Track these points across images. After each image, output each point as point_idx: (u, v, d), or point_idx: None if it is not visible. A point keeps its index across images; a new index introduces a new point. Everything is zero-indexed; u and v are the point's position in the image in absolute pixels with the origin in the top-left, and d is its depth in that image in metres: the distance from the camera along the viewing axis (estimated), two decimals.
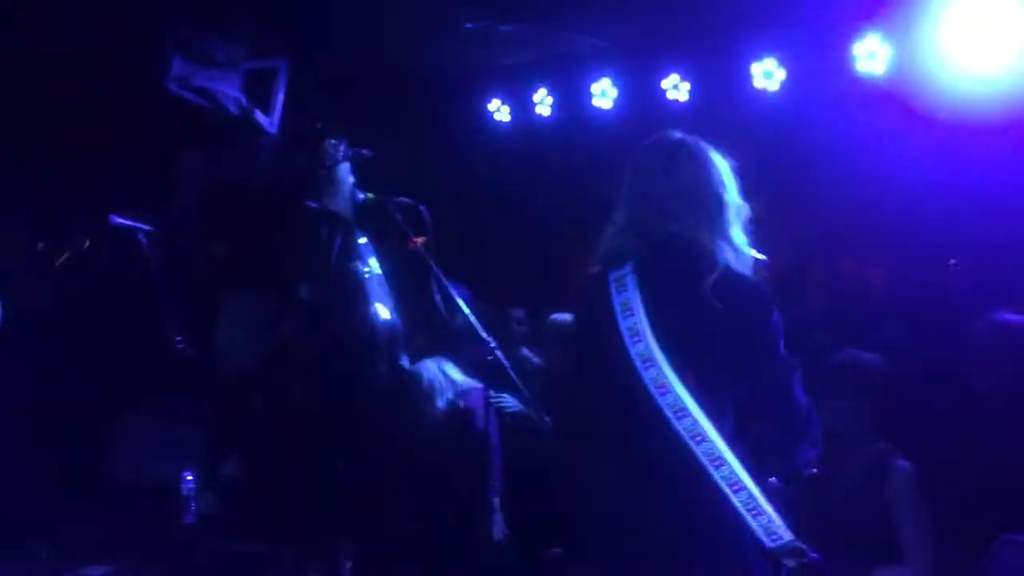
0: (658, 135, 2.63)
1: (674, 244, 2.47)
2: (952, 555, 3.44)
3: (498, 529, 4.09)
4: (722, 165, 2.55)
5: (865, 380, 3.64)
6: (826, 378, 3.69)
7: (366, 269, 3.74)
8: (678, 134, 2.60)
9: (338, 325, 3.64)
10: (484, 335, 3.72)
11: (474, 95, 7.57)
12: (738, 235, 2.52)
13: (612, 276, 2.51)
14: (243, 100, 5.34)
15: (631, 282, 2.47)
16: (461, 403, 4.30)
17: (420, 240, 3.81)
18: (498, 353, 3.69)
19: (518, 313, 6.48)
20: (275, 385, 3.62)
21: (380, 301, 3.74)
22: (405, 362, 3.77)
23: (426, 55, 6.72)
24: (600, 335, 2.49)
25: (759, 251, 2.64)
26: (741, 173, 2.64)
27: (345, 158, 3.82)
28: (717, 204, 2.48)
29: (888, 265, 7.07)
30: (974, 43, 5.12)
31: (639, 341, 2.38)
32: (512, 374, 3.68)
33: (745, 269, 2.48)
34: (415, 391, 4.22)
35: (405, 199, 3.84)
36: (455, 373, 4.37)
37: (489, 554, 4.00)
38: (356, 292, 3.66)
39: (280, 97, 5.66)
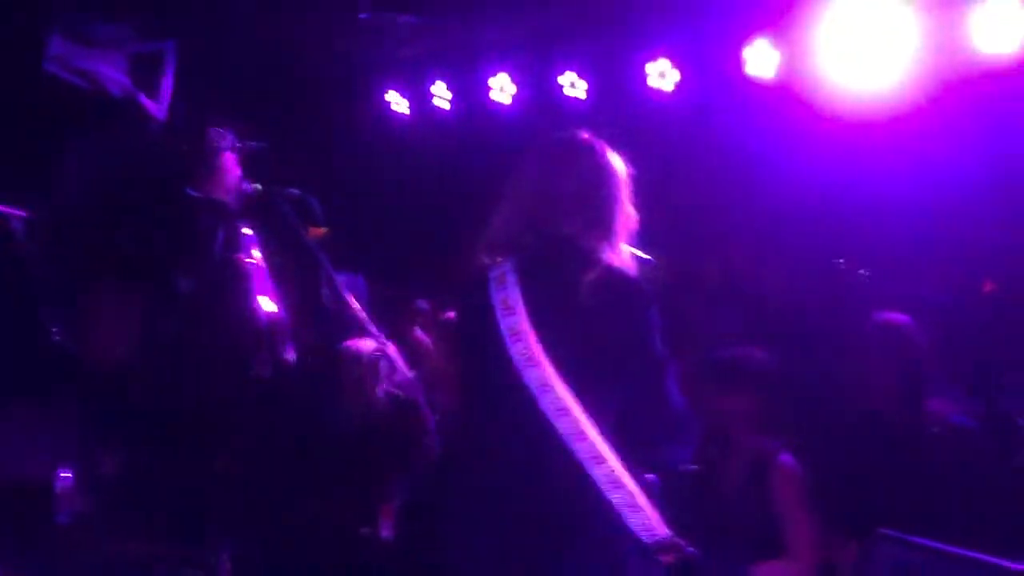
0: (555, 133, 2.61)
1: (555, 242, 2.47)
2: (835, 551, 3.55)
3: (387, 528, 4.02)
4: (616, 167, 2.55)
5: (754, 377, 3.69)
6: (716, 374, 3.75)
7: (250, 261, 3.63)
8: (575, 133, 2.59)
9: (220, 318, 3.52)
10: (372, 329, 3.65)
11: (371, 87, 7.49)
12: (624, 237, 2.53)
13: (492, 273, 2.49)
14: (127, 83, 5.13)
15: (511, 279, 2.46)
16: (401, 394, 4.18)
17: (311, 232, 3.73)
18: (387, 348, 3.63)
19: (422, 305, 6.44)
20: (154, 379, 3.49)
21: (264, 294, 3.63)
22: (290, 355, 3.67)
23: (321, 44, 6.61)
24: (480, 333, 2.47)
25: (647, 252, 2.65)
26: (636, 173, 2.66)
27: (230, 147, 3.70)
28: (604, 206, 2.48)
29: (780, 263, 7.28)
30: (857, 50, 5.30)
31: (519, 340, 2.37)
32: (403, 369, 3.63)
33: (628, 269, 2.49)
34: (351, 373, 4.06)
35: (294, 190, 3.75)
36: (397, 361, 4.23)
37: (374, 554, 3.95)
38: (239, 284, 3.54)
39: (168, 82, 5.46)
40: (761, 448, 3.67)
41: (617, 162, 2.56)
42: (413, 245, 7.00)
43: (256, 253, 3.59)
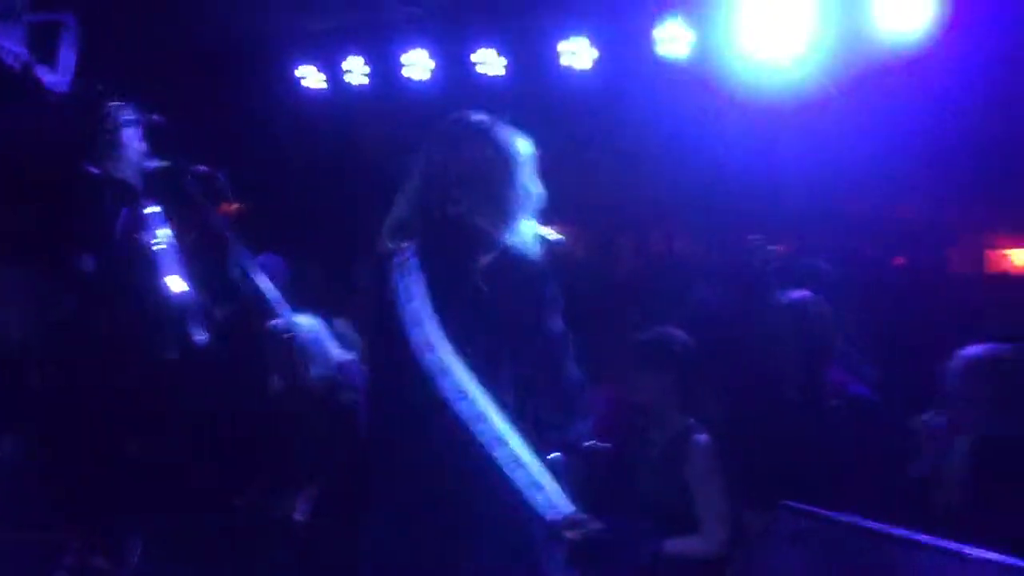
0: (456, 114, 2.58)
1: (454, 226, 2.45)
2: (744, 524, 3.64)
3: (302, 511, 3.96)
4: (519, 148, 2.52)
5: (671, 355, 3.75)
6: (634, 353, 3.82)
7: (155, 240, 3.53)
8: (476, 114, 2.56)
9: (124, 299, 3.43)
10: (282, 310, 3.59)
11: (283, 61, 7.34)
12: (526, 218, 2.52)
13: (395, 259, 2.49)
14: (24, 55, 4.92)
15: (413, 264, 2.46)
16: (340, 376, 4.05)
17: (221, 208, 3.64)
18: (298, 329, 3.58)
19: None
20: (54, 362, 3.39)
21: (172, 273, 3.54)
22: (200, 336, 3.59)
23: (231, 15, 6.45)
24: (383, 319, 2.47)
25: (556, 230, 2.65)
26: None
27: (131, 122, 3.59)
28: (503, 188, 2.46)
29: (694, 239, 7.40)
30: (768, 31, 5.38)
31: (419, 326, 2.38)
32: (318, 351, 3.58)
33: (529, 250, 2.48)
34: (283, 352, 3.94)
35: (202, 167, 3.65)
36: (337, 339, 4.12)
37: (290, 537, 3.91)
38: (144, 264, 3.45)
39: (70, 54, 5.26)
40: (678, 425, 3.74)
41: (514, 141, 2.53)
42: (333, 225, 6.91)
43: (163, 232, 3.50)
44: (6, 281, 3.47)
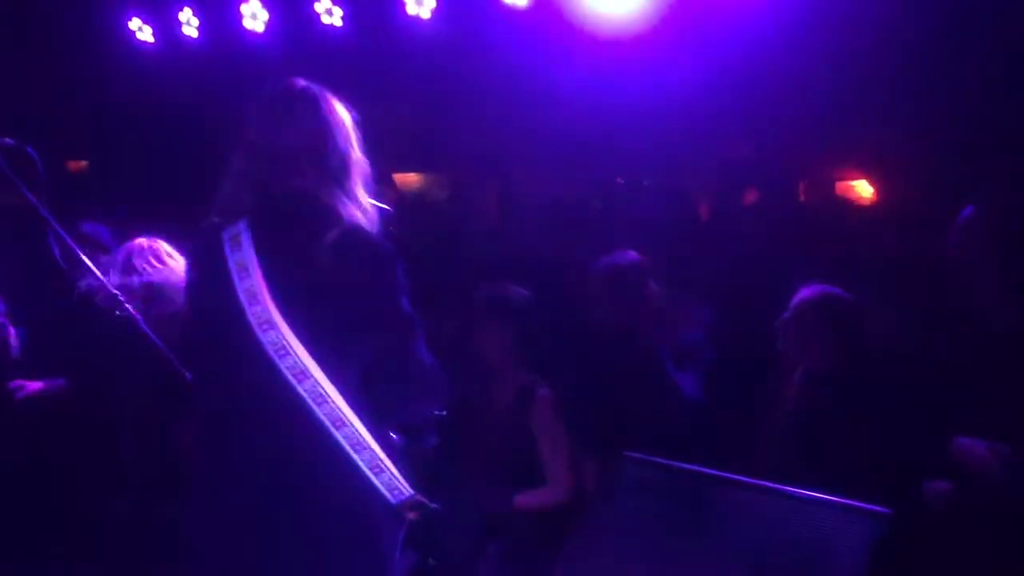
0: (279, 83, 2.46)
1: (290, 200, 2.35)
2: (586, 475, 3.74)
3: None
4: (341, 115, 2.44)
5: (509, 310, 3.80)
6: (474, 309, 3.86)
7: None
8: (300, 83, 2.45)
9: None
10: (112, 289, 3.41)
11: (110, 12, 6.94)
12: (360, 189, 2.43)
13: (226, 234, 2.36)
14: None
15: (246, 239, 2.34)
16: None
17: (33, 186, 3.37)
18: (128, 307, 3.40)
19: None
20: None
21: None
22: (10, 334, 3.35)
23: None
24: (215, 296, 2.35)
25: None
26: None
27: None
28: (337, 159, 2.38)
29: (553, 184, 7.41)
30: None
31: (256, 303, 2.27)
32: (147, 329, 3.40)
33: (369, 224, 2.41)
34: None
35: (8, 140, 3.37)
36: None
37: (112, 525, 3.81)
38: None
39: None
40: (521, 381, 3.80)
41: (341, 110, 2.46)
42: (167, 188, 6.62)
43: None
44: None
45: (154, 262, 3.96)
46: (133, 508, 3.88)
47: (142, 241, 4.04)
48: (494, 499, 3.65)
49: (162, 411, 3.77)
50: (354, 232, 2.35)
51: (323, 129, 2.40)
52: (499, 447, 3.75)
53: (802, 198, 6.92)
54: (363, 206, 2.43)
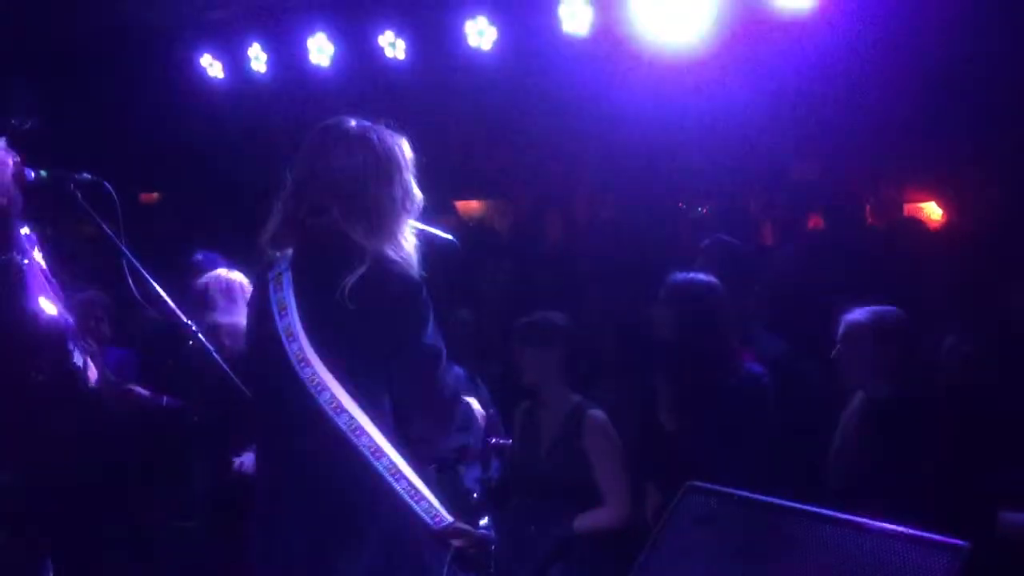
0: (331, 120, 2.52)
1: (322, 236, 2.41)
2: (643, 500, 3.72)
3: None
4: (394, 154, 2.46)
5: (553, 332, 3.85)
6: (518, 334, 3.93)
7: (26, 261, 3.37)
8: (345, 122, 2.49)
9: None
10: (184, 319, 3.50)
11: (184, 50, 7.17)
12: (400, 226, 2.46)
13: (271, 274, 2.46)
14: None
15: (286, 279, 2.43)
16: None
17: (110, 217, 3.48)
18: (200, 337, 3.49)
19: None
20: None
21: (45, 295, 3.39)
22: (78, 360, 3.45)
23: (125, 5, 6.26)
24: (261, 334, 2.45)
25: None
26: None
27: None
28: (372, 197, 2.41)
29: (618, 205, 7.42)
30: (665, 6, 5.42)
31: (294, 341, 2.36)
32: (218, 359, 3.48)
33: (396, 261, 2.42)
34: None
35: (86, 175, 3.47)
36: None
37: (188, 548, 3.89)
38: (14, 288, 3.29)
39: None
40: (571, 404, 3.83)
41: (390, 146, 2.48)
42: (235, 220, 6.79)
43: (37, 253, 3.35)
44: None
45: (225, 299, 4.07)
46: (200, 528, 3.97)
47: (220, 274, 4.15)
48: (552, 524, 3.65)
49: (230, 439, 3.86)
50: (379, 266, 2.38)
51: (362, 165, 2.42)
52: (552, 472, 3.77)
53: (869, 221, 6.83)
54: (395, 241, 2.45)
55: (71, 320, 3.39)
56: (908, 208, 7.12)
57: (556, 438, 3.81)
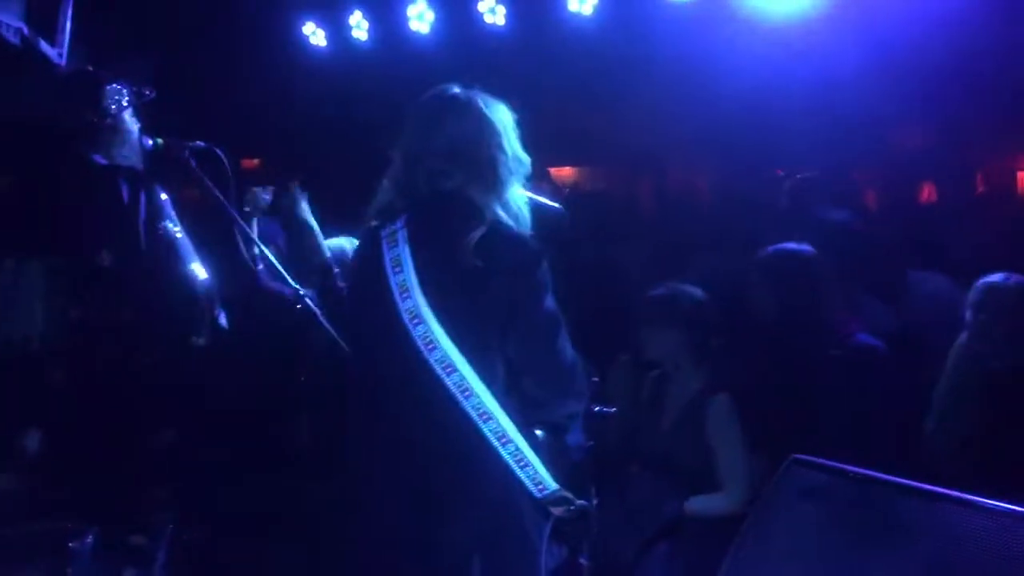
0: (434, 90, 2.57)
1: (442, 200, 2.45)
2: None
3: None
4: (500, 119, 2.52)
5: (679, 311, 3.67)
6: (648, 309, 3.75)
7: (176, 228, 3.50)
8: (451, 90, 2.55)
9: (154, 290, 3.40)
10: (291, 282, 3.56)
11: (286, 18, 7.28)
12: (514, 190, 2.51)
13: (384, 232, 2.49)
14: (24, 29, 4.83)
15: (401, 237, 2.45)
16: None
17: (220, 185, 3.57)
18: (307, 300, 3.57)
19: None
20: (77, 358, 3.38)
21: (194, 260, 3.52)
22: (223, 320, 3.56)
23: None
24: (371, 290, 2.47)
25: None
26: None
27: (130, 104, 3.52)
28: (488, 161, 2.45)
29: (713, 175, 7.32)
30: None
31: (408, 297, 2.38)
32: (324, 322, 3.54)
33: (516, 226, 2.48)
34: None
35: (200, 143, 3.57)
36: None
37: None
38: (170, 254, 3.42)
39: (67, 23, 5.17)
40: (696, 383, 3.68)
41: (496, 112, 2.53)
42: (336, 184, 6.90)
43: (176, 219, 3.48)
44: (28, 276, 3.44)
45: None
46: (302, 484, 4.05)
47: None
48: (666, 504, 3.57)
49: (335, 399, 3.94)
50: (498, 230, 2.42)
51: (470, 134, 2.49)
52: (673, 450, 3.64)
53: (980, 189, 6.60)
54: (511, 205, 2.51)
55: (214, 282, 3.51)
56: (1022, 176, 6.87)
57: (680, 418, 3.67)
